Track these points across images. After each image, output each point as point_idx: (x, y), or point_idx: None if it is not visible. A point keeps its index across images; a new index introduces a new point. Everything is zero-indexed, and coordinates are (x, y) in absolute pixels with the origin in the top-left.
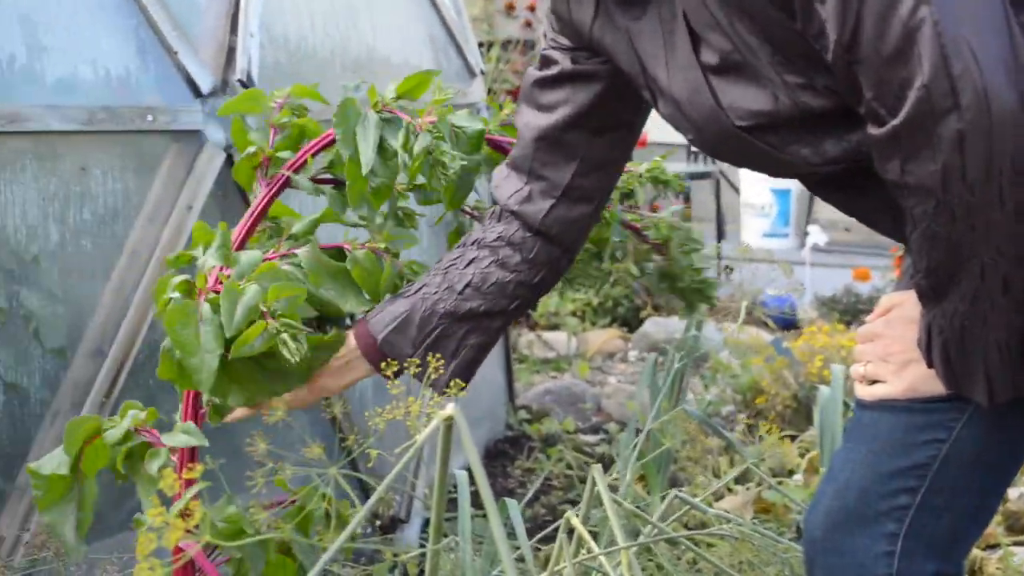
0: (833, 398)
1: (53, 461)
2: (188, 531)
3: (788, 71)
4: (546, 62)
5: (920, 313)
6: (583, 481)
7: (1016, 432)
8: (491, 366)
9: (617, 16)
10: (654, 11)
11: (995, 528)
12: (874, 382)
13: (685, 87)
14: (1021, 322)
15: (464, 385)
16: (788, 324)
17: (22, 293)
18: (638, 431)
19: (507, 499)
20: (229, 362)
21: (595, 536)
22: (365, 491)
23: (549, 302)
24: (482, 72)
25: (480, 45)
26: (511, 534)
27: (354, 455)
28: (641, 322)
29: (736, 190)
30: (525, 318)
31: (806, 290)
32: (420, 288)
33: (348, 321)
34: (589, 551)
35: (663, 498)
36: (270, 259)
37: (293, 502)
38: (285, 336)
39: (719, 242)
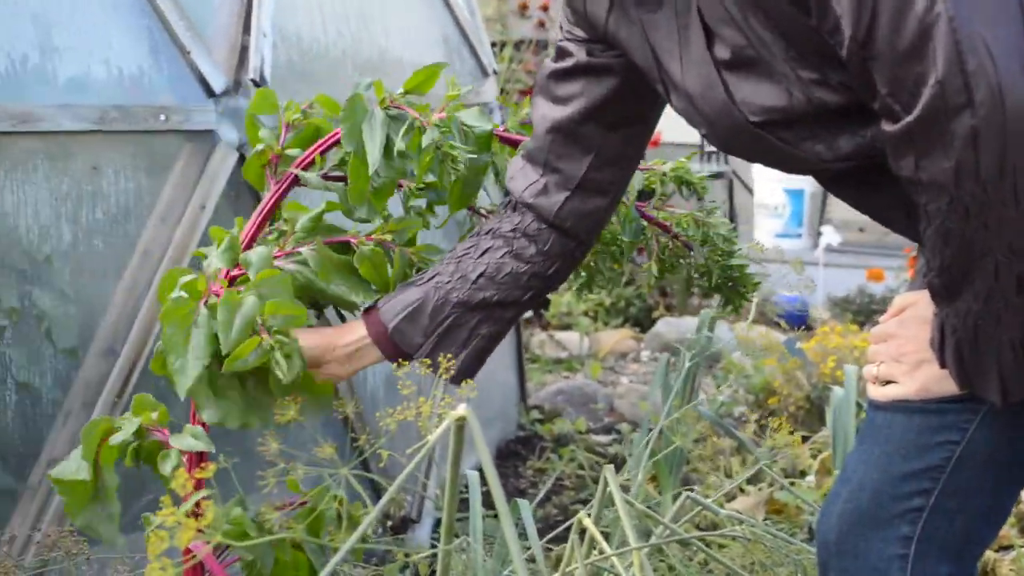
0: (846, 399)
1: (72, 466)
2: (199, 531)
3: (802, 67)
4: (561, 54)
5: (933, 313)
6: (595, 481)
7: None
8: (503, 366)
9: (632, 9)
10: (669, 5)
11: (1008, 530)
12: (887, 383)
13: (698, 82)
14: None
15: (472, 376)
16: (800, 320)
17: (34, 293)
18: (650, 431)
19: (519, 499)
20: (215, 375)
21: (606, 536)
22: (376, 491)
23: (561, 301)
24: (495, 72)
25: (493, 45)
26: (522, 534)
27: (366, 455)
28: (653, 322)
29: (749, 190)
30: (537, 318)
31: (816, 287)
32: (433, 277)
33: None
34: (601, 552)
35: (675, 499)
36: (276, 256)
37: (304, 503)
38: (278, 355)
39: None
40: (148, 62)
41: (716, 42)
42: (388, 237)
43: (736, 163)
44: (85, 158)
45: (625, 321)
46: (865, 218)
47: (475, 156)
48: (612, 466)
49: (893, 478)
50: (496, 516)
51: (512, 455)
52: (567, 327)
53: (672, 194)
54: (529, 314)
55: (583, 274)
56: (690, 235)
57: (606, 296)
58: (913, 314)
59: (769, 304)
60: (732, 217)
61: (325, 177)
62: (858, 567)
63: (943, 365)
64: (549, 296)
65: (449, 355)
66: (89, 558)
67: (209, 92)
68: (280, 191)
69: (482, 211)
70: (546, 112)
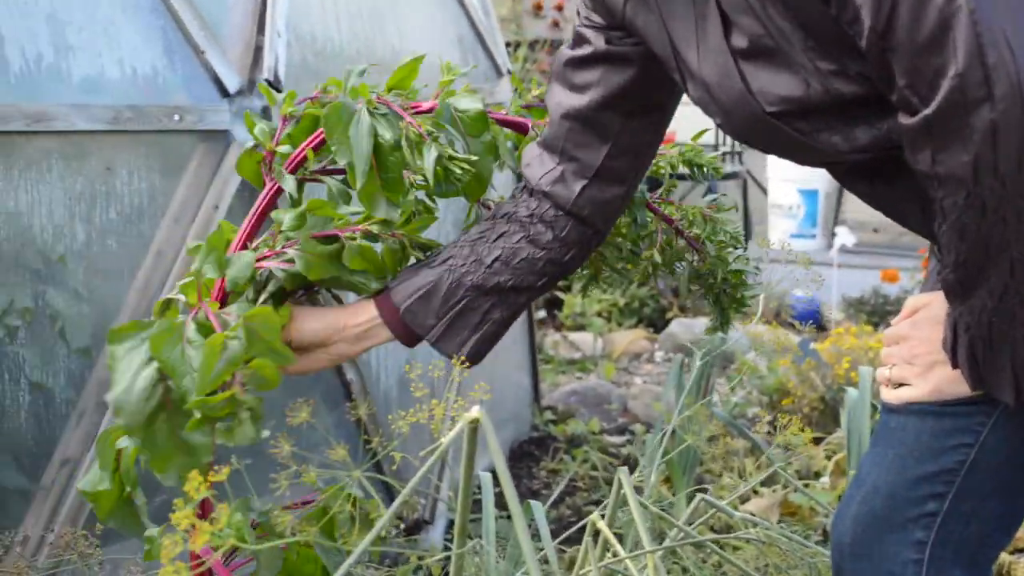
0: (861, 400)
1: (95, 478)
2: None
3: (820, 57)
4: (579, 40)
5: (946, 313)
6: (608, 483)
7: None
8: (517, 367)
9: None
10: None
11: (1023, 532)
12: (900, 385)
13: (715, 71)
14: None
15: (480, 360)
16: (812, 318)
17: (48, 293)
18: (664, 432)
19: (532, 501)
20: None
21: (620, 538)
22: (389, 492)
23: (575, 302)
24: (509, 72)
25: (508, 45)
26: (536, 536)
27: (379, 457)
28: (667, 323)
29: (764, 191)
30: (551, 319)
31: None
32: (447, 259)
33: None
34: (614, 554)
35: (689, 500)
36: (267, 256)
37: (310, 502)
38: (246, 416)
39: (746, 243)
40: (162, 62)
41: (734, 31)
42: (375, 229)
43: (750, 163)
44: (99, 158)
45: (639, 322)
46: (880, 219)
47: (477, 155)
48: (626, 468)
49: (907, 481)
50: (509, 517)
51: (525, 456)
52: (581, 328)
53: (677, 186)
54: (543, 315)
55: (586, 270)
56: (696, 232)
57: (620, 297)
58: (926, 315)
59: (784, 306)
60: (746, 217)
61: (325, 172)
62: (872, 570)
63: (956, 366)
64: (560, 296)
65: (460, 339)
66: (102, 561)
67: (223, 92)
68: (273, 190)
69: (489, 204)
70: (562, 100)
